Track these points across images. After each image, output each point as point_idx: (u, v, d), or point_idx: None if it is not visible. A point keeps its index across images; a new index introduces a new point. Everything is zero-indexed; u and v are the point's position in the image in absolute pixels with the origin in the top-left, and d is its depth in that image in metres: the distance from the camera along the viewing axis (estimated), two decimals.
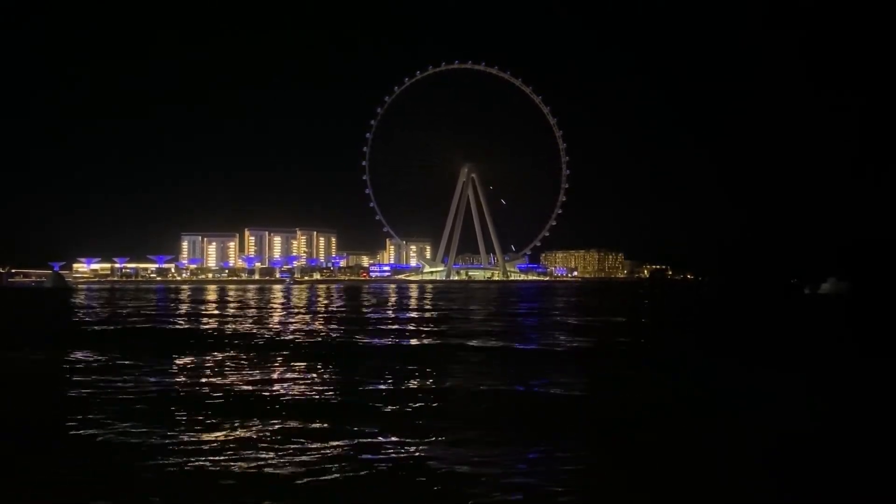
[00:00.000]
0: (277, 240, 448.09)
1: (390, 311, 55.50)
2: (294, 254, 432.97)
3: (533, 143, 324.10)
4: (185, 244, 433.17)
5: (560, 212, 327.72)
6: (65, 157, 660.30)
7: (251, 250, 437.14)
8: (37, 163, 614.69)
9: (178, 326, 34.86)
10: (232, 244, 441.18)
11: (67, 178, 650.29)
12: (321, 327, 39.24)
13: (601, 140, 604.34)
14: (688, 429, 17.32)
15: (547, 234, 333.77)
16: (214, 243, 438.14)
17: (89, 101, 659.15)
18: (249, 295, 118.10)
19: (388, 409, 16.97)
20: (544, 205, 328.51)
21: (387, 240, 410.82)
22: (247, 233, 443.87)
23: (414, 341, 31.54)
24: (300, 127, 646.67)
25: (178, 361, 23.86)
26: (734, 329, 50.24)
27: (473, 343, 31.85)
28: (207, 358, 23.99)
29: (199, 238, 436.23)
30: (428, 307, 71.19)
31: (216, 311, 63.41)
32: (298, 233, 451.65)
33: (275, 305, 69.02)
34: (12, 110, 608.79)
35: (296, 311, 57.29)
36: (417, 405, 17.06)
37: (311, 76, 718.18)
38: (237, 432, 14.45)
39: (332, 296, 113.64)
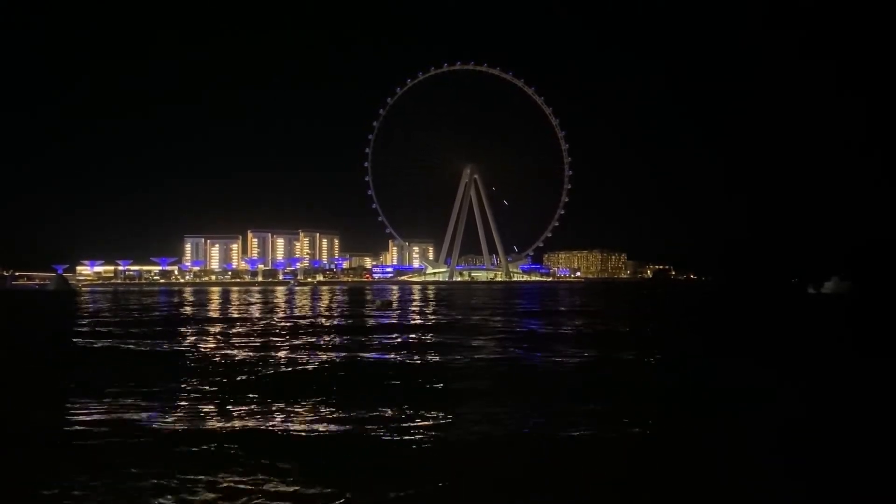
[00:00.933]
0: (280, 241, 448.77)
1: (394, 319, 55.27)
2: (297, 255, 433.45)
3: (535, 144, 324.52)
4: (188, 246, 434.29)
5: (562, 212, 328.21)
6: (67, 159, 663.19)
7: (254, 252, 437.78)
8: (39, 165, 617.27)
9: (180, 347, 33.83)
10: (235, 246, 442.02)
11: (70, 180, 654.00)
12: (325, 341, 38.87)
13: (603, 140, 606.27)
14: (687, 428, 17.38)
15: (549, 234, 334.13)
16: (217, 245, 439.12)
17: (89, 101, 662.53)
18: (254, 298, 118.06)
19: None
20: (547, 205, 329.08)
21: (389, 241, 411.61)
22: (250, 234, 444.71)
23: (418, 358, 30.65)
24: (301, 128, 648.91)
25: (176, 396, 21.39)
26: (737, 329, 50.14)
27: (480, 356, 31.32)
28: (204, 393, 22.47)
29: (202, 240, 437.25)
30: (430, 311, 71.14)
31: (219, 316, 63.43)
32: (301, 234, 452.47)
33: (278, 314, 68.80)
34: (14, 112, 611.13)
35: (300, 320, 57.11)
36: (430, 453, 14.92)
37: (311, 76, 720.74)
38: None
39: (335, 299, 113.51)
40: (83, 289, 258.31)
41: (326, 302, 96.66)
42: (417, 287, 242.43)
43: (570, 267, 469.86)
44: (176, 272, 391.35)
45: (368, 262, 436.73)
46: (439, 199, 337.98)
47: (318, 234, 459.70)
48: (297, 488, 12.37)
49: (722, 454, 14.76)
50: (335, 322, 52.56)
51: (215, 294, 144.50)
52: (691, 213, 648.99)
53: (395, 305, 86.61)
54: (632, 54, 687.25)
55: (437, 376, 24.79)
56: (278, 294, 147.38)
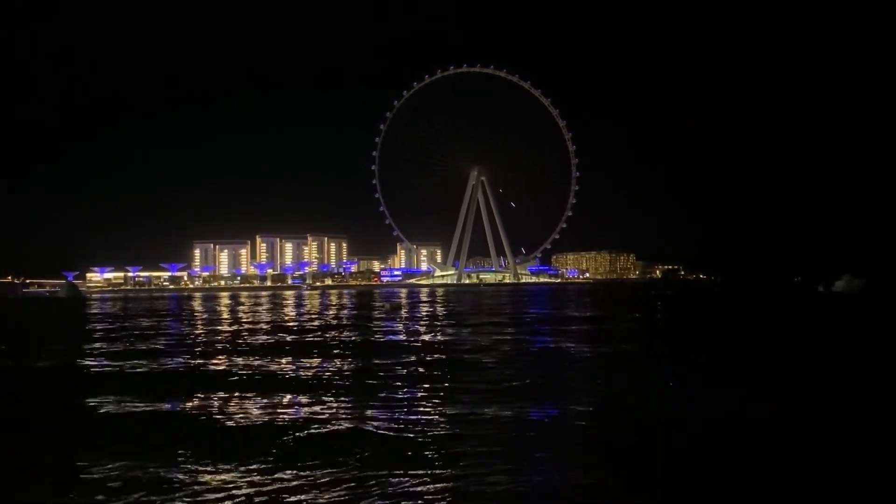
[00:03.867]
0: (289, 246, 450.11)
1: (402, 336, 54.78)
2: (305, 260, 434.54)
3: (542, 146, 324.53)
4: (197, 252, 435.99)
5: (570, 214, 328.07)
6: (75, 167, 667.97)
7: (263, 257, 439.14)
8: (48, 174, 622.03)
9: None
10: (243, 251, 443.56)
11: (79, 188, 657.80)
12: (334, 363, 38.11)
13: (611, 142, 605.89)
14: (694, 430, 17.22)
15: (557, 236, 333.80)
16: (226, 251, 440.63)
17: (95, 109, 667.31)
18: (261, 306, 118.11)
19: None
20: (554, 207, 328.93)
21: (397, 244, 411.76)
22: (258, 239, 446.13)
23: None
24: (309, 132, 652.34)
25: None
26: (746, 329, 49.54)
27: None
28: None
29: (211, 245, 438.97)
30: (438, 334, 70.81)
31: (228, 332, 63.24)
32: (309, 239, 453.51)
33: (287, 326, 68.58)
34: (23, 121, 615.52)
35: (309, 336, 56.65)
36: None
37: (319, 81, 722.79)
38: None
39: (343, 308, 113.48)
40: (93, 295, 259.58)
41: (335, 311, 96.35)
42: (426, 290, 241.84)
43: (578, 268, 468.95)
44: (185, 278, 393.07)
45: (376, 266, 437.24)
46: (447, 201, 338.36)
47: (325, 238, 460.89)
48: None
49: (726, 455, 14.63)
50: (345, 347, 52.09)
51: (225, 303, 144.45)
52: (700, 212, 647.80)
53: (403, 310, 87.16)
54: (640, 58, 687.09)
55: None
56: (288, 299, 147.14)
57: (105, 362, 33.81)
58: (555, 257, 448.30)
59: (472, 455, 14.77)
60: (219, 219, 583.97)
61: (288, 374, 28.16)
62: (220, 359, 33.97)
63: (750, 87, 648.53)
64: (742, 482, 13.21)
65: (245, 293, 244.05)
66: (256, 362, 32.15)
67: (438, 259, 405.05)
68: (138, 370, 30.51)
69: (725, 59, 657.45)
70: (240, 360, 32.84)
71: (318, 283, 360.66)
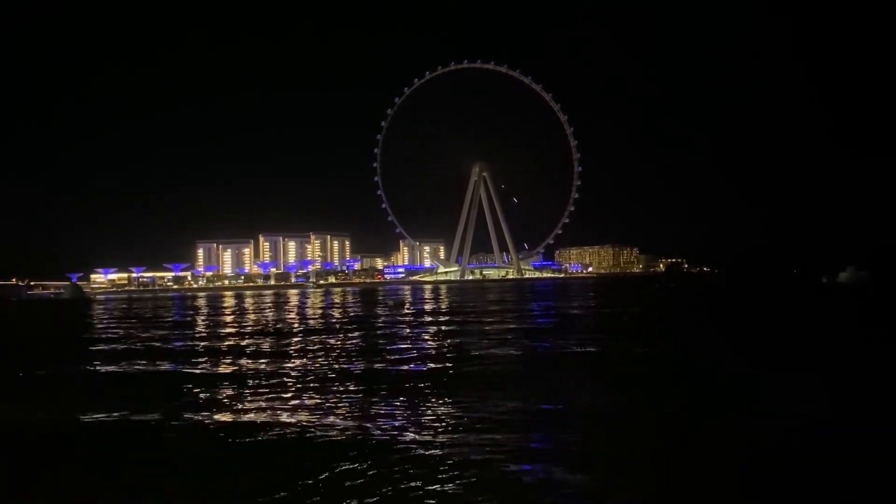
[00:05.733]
0: (292, 245, 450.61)
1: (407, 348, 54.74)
2: (308, 258, 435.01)
3: (544, 141, 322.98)
4: (200, 252, 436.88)
5: (573, 209, 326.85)
6: (77, 168, 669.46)
7: (266, 256, 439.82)
8: (51, 175, 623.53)
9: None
10: (247, 250, 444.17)
11: (81, 189, 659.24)
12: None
13: (612, 141, 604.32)
14: (694, 430, 17.19)
15: (560, 231, 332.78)
16: (229, 250, 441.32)
17: (97, 110, 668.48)
18: (266, 312, 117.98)
19: None
20: (557, 202, 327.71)
21: (400, 241, 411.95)
22: (261, 239, 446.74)
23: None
24: (309, 132, 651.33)
25: None
26: (748, 324, 49.27)
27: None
28: None
29: (215, 245, 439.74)
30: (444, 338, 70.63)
31: (232, 345, 63.13)
32: (312, 237, 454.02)
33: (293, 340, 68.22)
34: (24, 122, 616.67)
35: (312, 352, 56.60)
36: None
37: (321, 79, 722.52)
38: None
39: (346, 313, 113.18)
40: (97, 297, 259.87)
41: (338, 322, 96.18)
42: (429, 287, 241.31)
43: (581, 263, 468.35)
44: (189, 278, 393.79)
45: (380, 263, 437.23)
46: (449, 197, 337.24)
47: (328, 237, 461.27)
48: None
49: (725, 456, 14.57)
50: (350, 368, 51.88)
51: (229, 307, 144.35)
52: (701, 210, 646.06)
53: (407, 306, 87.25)
54: (640, 54, 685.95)
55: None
56: (293, 299, 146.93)
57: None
58: (558, 252, 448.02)
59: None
60: (221, 218, 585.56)
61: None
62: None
63: (750, 87, 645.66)
64: (742, 482, 13.22)
65: (249, 292, 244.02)
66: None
67: (441, 255, 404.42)
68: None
69: (725, 59, 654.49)
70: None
71: (321, 282, 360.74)
